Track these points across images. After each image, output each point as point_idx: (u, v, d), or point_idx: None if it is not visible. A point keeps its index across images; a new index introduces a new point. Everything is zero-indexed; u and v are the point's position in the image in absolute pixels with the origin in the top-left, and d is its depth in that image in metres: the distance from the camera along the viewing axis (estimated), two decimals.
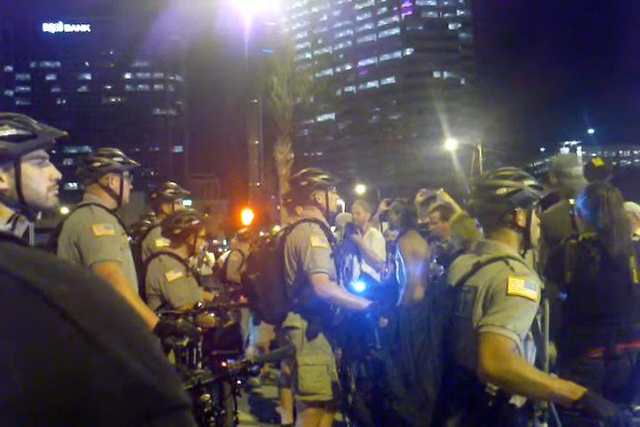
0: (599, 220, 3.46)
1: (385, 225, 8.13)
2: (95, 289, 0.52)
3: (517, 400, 2.46)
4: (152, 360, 0.50)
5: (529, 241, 2.66)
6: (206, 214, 8.63)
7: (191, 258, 4.94)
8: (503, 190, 2.59)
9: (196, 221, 4.71)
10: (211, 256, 11.12)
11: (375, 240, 6.74)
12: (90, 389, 0.46)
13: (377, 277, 6.57)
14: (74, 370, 0.46)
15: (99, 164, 3.85)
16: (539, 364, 2.53)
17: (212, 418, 3.10)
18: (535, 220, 2.67)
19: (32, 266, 0.50)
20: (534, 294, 2.40)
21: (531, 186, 2.64)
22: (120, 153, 3.98)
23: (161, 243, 4.99)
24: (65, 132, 2.25)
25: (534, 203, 2.67)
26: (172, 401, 0.50)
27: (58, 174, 2.19)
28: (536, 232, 2.69)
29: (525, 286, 2.39)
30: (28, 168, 2.10)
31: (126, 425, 0.47)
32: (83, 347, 0.47)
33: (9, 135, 2.03)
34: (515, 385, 2.30)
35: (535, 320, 2.45)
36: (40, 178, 2.14)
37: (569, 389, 2.21)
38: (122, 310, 0.53)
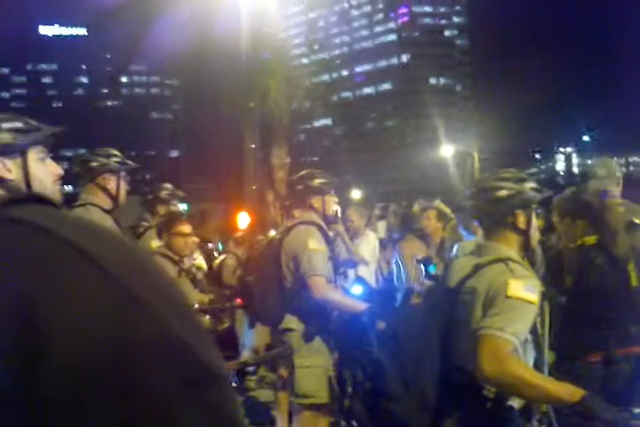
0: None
1: (380, 225, 8.03)
2: (133, 252, 0.54)
3: (516, 402, 2.45)
4: (195, 328, 0.51)
5: (529, 243, 2.65)
6: (192, 213, 8.59)
7: (186, 260, 4.94)
8: (504, 192, 2.59)
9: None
10: (202, 263, 11.07)
11: (366, 242, 6.62)
12: (135, 352, 0.46)
13: (371, 277, 6.51)
14: (118, 331, 0.46)
15: (96, 163, 3.84)
16: (538, 367, 2.52)
17: None
18: (535, 222, 2.66)
19: (75, 228, 0.52)
20: (534, 296, 2.39)
21: (531, 188, 2.64)
22: (117, 153, 3.97)
23: (156, 244, 4.98)
24: (63, 128, 2.29)
25: (534, 205, 2.67)
26: (214, 370, 0.50)
27: (59, 170, 2.24)
28: (535, 235, 2.69)
29: (525, 288, 2.38)
30: (32, 162, 2.13)
31: (170, 389, 0.47)
32: (128, 308, 0.47)
33: (16, 128, 2.09)
34: (513, 387, 2.29)
35: (535, 323, 2.44)
36: (44, 171, 2.17)
37: (567, 391, 2.20)
38: (161, 274, 0.54)
